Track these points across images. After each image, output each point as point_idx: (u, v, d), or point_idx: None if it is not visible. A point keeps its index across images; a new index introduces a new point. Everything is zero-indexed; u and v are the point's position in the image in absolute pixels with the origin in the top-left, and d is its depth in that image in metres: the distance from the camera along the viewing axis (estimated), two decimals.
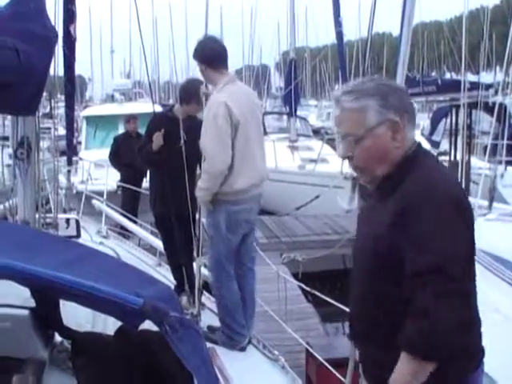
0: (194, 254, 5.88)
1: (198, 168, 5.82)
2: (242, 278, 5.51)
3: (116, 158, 12.33)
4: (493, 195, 9.93)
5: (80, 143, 16.88)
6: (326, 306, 6.28)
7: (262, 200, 5.50)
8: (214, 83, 5.34)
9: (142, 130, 13.00)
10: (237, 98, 5.18)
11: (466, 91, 11.55)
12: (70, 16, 6.66)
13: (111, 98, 24.40)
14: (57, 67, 6.01)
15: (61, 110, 12.18)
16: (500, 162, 11.82)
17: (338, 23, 15.42)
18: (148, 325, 2.63)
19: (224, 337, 5.32)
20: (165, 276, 6.53)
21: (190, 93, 6.19)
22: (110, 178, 11.78)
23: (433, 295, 2.16)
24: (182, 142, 5.67)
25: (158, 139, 6.27)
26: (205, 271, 6.63)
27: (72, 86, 7.79)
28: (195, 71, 6.11)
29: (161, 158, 6.25)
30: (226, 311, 5.39)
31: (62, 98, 9.09)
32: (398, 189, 2.37)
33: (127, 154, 12.28)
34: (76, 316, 3.75)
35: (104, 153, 13.35)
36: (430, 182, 2.34)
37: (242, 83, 5.97)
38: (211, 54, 5.35)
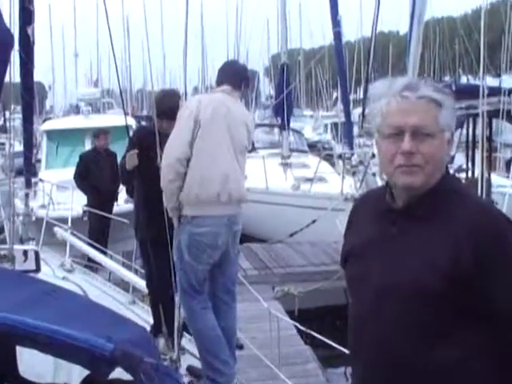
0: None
1: None
2: (215, 314, 5.54)
3: (83, 179, 12.33)
4: None
5: (40, 161, 16.84)
6: (326, 348, 6.27)
7: (242, 226, 5.61)
8: None
9: (112, 146, 13.18)
10: (217, 100, 5.47)
11: (485, 97, 11.59)
12: (27, 16, 6.62)
13: (76, 109, 24.43)
14: (13, 74, 6.00)
15: (17, 123, 12.18)
16: None
17: (335, 22, 15.52)
18: (120, 373, 2.62)
19: (208, 382, 5.32)
20: (139, 315, 6.53)
21: (162, 106, 6.26)
22: (76, 202, 11.75)
23: None
24: (159, 159, 5.71)
25: (131, 159, 6.32)
26: None
27: (30, 96, 7.75)
28: (174, 77, 6.20)
29: (145, 177, 6.31)
30: (204, 347, 5.41)
31: (18, 108, 9.05)
32: (444, 211, 2.41)
33: (96, 174, 12.34)
34: (35, 365, 3.73)
35: (68, 173, 13.33)
36: (492, 208, 2.49)
37: (239, 103, 6.16)
38: (228, 75, 5.82)
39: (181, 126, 5.35)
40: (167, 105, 6.06)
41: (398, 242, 2.46)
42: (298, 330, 8.05)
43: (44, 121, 24.02)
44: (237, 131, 5.53)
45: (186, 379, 5.59)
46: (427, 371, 2.38)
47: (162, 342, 5.90)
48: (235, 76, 5.83)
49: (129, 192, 7.38)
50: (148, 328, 5.95)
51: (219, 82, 5.76)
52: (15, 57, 6.37)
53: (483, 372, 2.37)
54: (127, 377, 2.56)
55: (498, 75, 28.17)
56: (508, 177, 12.66)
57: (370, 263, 2.52)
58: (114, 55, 6.12)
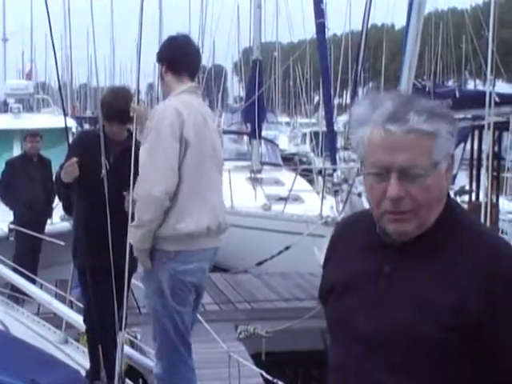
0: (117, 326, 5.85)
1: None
2: None
3: (9, 191, 12.27)
4: None
5: None
6: None
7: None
8: (168, 92, 5.51)
9: (47, 153, 13.14)
10: (193, 108, 5.30)
11: (492, 106, 11.69)
12: None
13: (3, 106, 24.31)
14: None
15: None
16: None
17: (319, 12, 15.62)
18: None
19: None
20: (72, 357, 6.52)
21: (112, 108, 6.25)
22: (0, 219, 11.70)
23: None
24: (104, 171, 5.72)
25: (70, 169, 6.28)
26: (130, 350, 6.63)
27: None
28: (124, 71, 6.12)
29: (87, 192, 6.28)
30: None
31: None
32: (446, 247, 2.41)
33: (25, 184, 12.28)
34: None
35: None
36: (504, 244, 2.45)
37: (201, 99, 6.05)
38: (172, 53, 5.54)
39: (165, 148, 5.07)
40: (119, 106, 6.01)
41: (390, 282, 2.45)
42: (264, 379, 8.05)
43: None
44: (215, 145, 5.47)
45: None
46: None
47: None
48: (193, 63, 5.67)
49: (66, 208, 7.33)
50: (83, 372, 5.95)
51: (176, 69, 5.48)
52: None
53: None
54: None
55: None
56: None
57: (357, 304, 2.51)
58: (53, 40, 6.06)
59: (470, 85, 56.09)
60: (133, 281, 6.14)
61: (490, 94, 11.76)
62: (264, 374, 6.90)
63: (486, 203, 11.73)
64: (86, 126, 34.62)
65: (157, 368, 5.37)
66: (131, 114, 5.56)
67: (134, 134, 5.43)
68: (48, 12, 5.47)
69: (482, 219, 10.85)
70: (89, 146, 6.30)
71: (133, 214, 5.38)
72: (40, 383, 2.44)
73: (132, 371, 6.47)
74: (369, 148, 2.37)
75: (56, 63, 7.14)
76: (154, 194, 5.02)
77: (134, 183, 5.12)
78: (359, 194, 14.60)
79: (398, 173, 2.33)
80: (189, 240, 5.15)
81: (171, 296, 5.17)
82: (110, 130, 6.37)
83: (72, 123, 16.86)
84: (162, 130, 5.05)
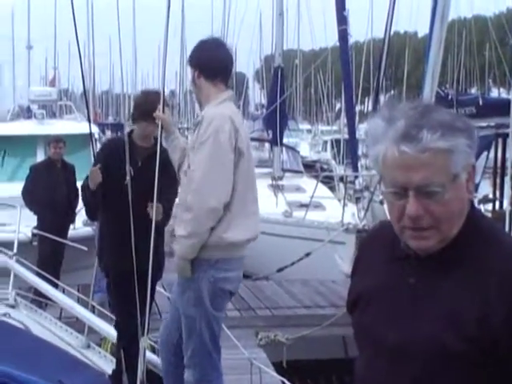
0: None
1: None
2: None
3: (33, 196, 12.33)
4: None
5: None
6: None
7: None
8: (207, 98, 5.42)
9: (70, 158, 13.20)
10: (240, 119, 5.30)
11: None
12: None
13: (27, 112, 24.40)
14: None
15: None
16: None
17: (342, 19, 15.65)
18: None
19: None
20: (94, 362, 6.54)
21: (141, 107, 6.29)
22: (24, 224, 11.74)
23: None
24: (128, 177, 5.76)
25: (94, 175, 6.34)
26: (151, 355, 6.66)
27: None
28: (145, 78, 6.06)
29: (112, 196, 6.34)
30: None
31: None
32: (471, 258, 2.41)
33: (49, 189, 12.33)
34: None
35: (13, 188, 13.35)
36: None
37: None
38: (204, 58, 5.49)
39: (223, 156, 5.04)
40: (155, 105, 5.79)
41: (415, 294, 2.47)
42: None
43: None
44: (251, 154, 5.47)
45: None
46: None
47: None
48: (225, 67, 5.59)
49: (89, 214, 7.37)
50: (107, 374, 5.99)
51: (209, 74, 5.42)
52: None
53: None
54: None
55: None
56: None
57: (383, 316, 2.54)
58: (79, 48, 6.05)
59: (494, 93, 55.85)
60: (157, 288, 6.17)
61: None
62: (286, 381, 6.87)
63: (511, 211, 11.70)
64: (108, 133, 34.72)
65: (189, 375, 5.34)
66: (156, 121, 5.58)
67: (158, 141, 5.42)
68: (75, 21, 5.47)
69: (507, 228, 10.81)
70: (114, 153, 6.33)
71: (157, 221, 5.41)
72: (66, 383, 2.47)
73: (152, 375, 6.49)
74: (384, 167, 2.39)
75: (82, 71, 7.16)
76: (210, 205, 5.00)
77: (158, 189, 5.12)
78: (381, 202, 14.57)
79: (415, 191, 2.34)
80: (230, 249, 5.15)
81: (210, 303, 5.16)
82: (137, 134, 6.40)
83: (95, 129, 16.89)
84: (221, 139, 5.00)
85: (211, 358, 5.28)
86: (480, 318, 2.30)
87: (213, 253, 5.10)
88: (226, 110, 5.17)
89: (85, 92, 10.36)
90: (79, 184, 12.73)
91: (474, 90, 51.61)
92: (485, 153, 16.83)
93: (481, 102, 18.22)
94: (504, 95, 46.38)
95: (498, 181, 14.71)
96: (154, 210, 5.24)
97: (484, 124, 16.89)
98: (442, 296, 2.41)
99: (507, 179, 13.53)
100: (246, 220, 5.17)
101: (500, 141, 14.70)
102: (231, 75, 5.62)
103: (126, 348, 6.30)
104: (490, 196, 15.40)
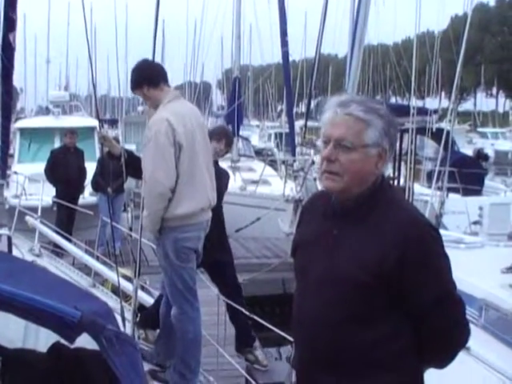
0: (131, 275, 5.77)
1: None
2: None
3: (52, 173, 12.32)
4: (439, 222, 10.17)
5: (12, 156, 16.67)
6: (265, 331, 6.30)
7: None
8: (159, 103, 5.17)
9: (80, 145, 13.14)
10: (181, 115, 5.05)
11: (414, 116, 11.81)
12: (10, 24, 6.51)
13: (46, 110, 24.15)
14: None
15: None
16: (440, 189, 12.08)
17: (284, 43, 15.67)
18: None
19: (176, 376, 5.18)
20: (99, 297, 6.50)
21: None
22: (45, 194, 11.66)
23: (452, 318, 2.53)
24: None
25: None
26: (142, 294, 6.64)
27: (9, 97, 7.69)
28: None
29: None
30: (186, 347, 5.21)
31: None
32: (377, 216, 2.49)
33: (64, 168, 12.34)
34: (6, 332, 3.73)
35: (37, 167, 13.29)
36: (419, 216, 2.55)
37: (186, 101, 5.84)
38: (147, 72, 5.24)
39: (163, 153, 4.88)
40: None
41: (336, 241, 2.55)
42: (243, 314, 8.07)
43: (16, 120, 23.76)
44: (202, 133, 5.26)
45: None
46: (352, 349, 2.50)
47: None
48: (162, 71, 5.37)
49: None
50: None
51: (155, 83, 5.14)
52: None
53: (399, 352, 2.51)
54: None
55: (422, 98, 28.66)
56: (429, 187, 12.85)
57: (313, 257, 2.61)
58: (91, 63, 5.93)
59: (393, 100, 56.27)
60: (143, 240, 6.03)
61: (413, 106, 11.96)
62: (243, 310, 6.88)
63: (407, 187, 11.89)
64: (106, 126, 34.41)
65: (173, 310, 5.25)
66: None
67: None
68: (89, 51, 5.34)
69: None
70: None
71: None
72: (81, 309, 2.47)
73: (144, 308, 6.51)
74: (323, 124, 2.54)
75: (93, 78, 7.09)
76: (161, 190, 4.90)
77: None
78: (314, 179, 14.64)
79: (334, 142, 2.48)
80: (185, 218, 5.02)
81: (175, 257, 5.05)
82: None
83: (96, 123, 16.83)
84: (159, 140, 4.86)
85: (185, 297, 5.16)
86: (378, 258, 2.40)
87: (172, 223, 4.99)
88: (164, 112, 4.98)
89: (95, 97, 10.35)
90: (87, 164, 12.78)
91: (378, 97, 52.04)
92: None
93: (385, 106, 18.27)
94: (400, 101, 47.07)
95: (397, 165, 14.84)
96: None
97: None
98: (353, 243, 2.49)
99: (403, 164, 13.74)
100: (195, 194, 5.02)
101: (398, 135, 14.83)
102: (167, 75, 5.32)
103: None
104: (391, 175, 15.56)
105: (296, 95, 34.37)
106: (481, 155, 27.07)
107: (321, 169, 2.55)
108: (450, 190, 13.51)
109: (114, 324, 2.74)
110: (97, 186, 12.36)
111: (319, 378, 2.58)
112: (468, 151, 25.74)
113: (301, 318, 2.63)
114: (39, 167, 12.89)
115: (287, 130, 18.65)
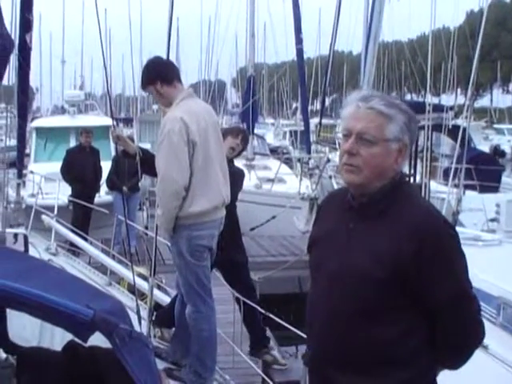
0: (147, 273, 5.75)
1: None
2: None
3: (68, 172, 12.35)
4: (456, 219, 10.12)
5: (28, 155, 16.72)
6: (281, 329, 6.29)
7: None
8: (172, 101, 5.13)
9: (95, 144, 13.17)
10: (195, 113, 5.01)
11: (430, 113, 11.74)
12: (26, 24, 6.54)
13: (62, 110, 24.24)
14: (11, 77, 5.93)
15: (2, 121, 12.07)
16: (457, 186, 12.01)
17: (298, 40, 15.65)
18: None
19: (192, 374, 5.15)
20: (114, 295, 6.51)
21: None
22: (61, 193, 11.69)
23: (467, 316, 2.51)
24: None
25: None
26: (158, 293, 6.63)
27: (25, 96, 7.72)
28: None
29: None
30: (202, 345, 5.18)
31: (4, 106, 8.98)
32: (393, 212, 2.48)
33: (80, 167, 12.37)
34: (22, 331, 3.74)
35: (53, 166, 13.32)
36: (436, 213, 2.53)
37: (200, 99, 5.79)
38: (161, 69, 5.20)
39: (176, 151, 4.86)
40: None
41: (352, 236, 2.55)
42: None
43: (32, 119, 23.88)
44: (216, 131, 5.23)
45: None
46: (364, 345, 2.48)
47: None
48: (175, 68, 5.37)
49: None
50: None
51: (169, 79, 5.10)
52: (14, 61, 6.31)
53: (413, 350, 2.48)
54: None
55: (438, 94, 28.55)
56: (446, 184, 12.78)
57: (328, 252, 2.61)
58: (105, 63, 5.83)
59: (408, 97, 56.00)
60: (159, 239, 6.04)
61: (430, 103, 11.85)
62: (259, 308, 6.88)
63: (423, 185, 11.81)
64: (121, 125, 34.51)
65: (187, 308, 5.21)
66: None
67: None
68: (102, 50, 5.34)
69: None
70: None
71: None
72: (93, 308, 2.47)
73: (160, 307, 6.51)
74: (343, 119, 2.55)
75: (108, 78, 7.10)
76: (175, 189, 4.88)
77: None
78: (330, 177, 14.62)
79: (356, 135, 2.48)
80: (199, 216, 4.99)
81: (190, 256, 5.03)
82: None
83: (110, 122, 16.88)
84: (173, 139, 4.84)
85: (200, 296, 5.13)
86: (393, 254, 2.40)
87: (186, 221, 4.97)
88: (178, 111, 4.95)
89: (109, 97, 10.36)
90: (102, 163, 12.80)
91: (394, 94, 51.87)
92: None
93: None
94: (415, 98, 46.78)
95: (413, 162, 14.77)
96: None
97: None
98: (369, 237, 2.49)
99: (419, 161, 13.67)
100: (208, 192, 5.00)
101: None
102: (179, 73, 5.30)
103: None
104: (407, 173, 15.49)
105: (311, 93, 34.33)
106: (497, 152, 26.92)
107: (341, 162, 2.55)
108: (466, 187, 13.43)
109: (127, 322, 2.74)
110: (112, 185, 12.38)
111: (331, 376, 2.56)
112: (484, 148, 25.61)
113: (314, 313, 2.63)
114: (55, 166, 12.91)
115: (302, 128, 18.65)
